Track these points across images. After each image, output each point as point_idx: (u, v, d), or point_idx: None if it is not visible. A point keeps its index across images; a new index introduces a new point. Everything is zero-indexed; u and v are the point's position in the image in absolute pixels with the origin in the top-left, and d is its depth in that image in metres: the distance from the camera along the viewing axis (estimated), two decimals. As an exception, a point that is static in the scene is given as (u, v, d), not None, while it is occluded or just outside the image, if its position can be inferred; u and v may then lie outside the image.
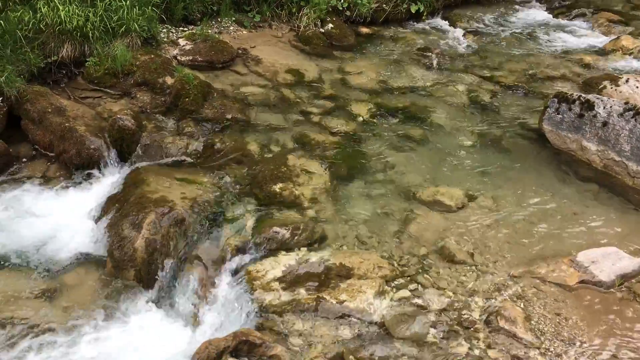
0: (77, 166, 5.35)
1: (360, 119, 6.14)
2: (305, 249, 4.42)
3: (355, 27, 8.14)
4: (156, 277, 4.47)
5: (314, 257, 4.33)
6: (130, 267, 4.50)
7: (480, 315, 3.97)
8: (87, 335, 4.12)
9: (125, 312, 4.34)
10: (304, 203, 4.84)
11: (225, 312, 4.13)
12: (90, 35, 6.00)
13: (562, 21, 8.99)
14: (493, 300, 4.07)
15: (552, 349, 3.74)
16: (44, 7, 5.81)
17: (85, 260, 4.69)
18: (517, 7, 9.45)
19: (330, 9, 7.93)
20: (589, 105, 5.49)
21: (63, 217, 4.96)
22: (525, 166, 5.54)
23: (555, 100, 5.75)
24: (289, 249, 4.41)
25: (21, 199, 5.09)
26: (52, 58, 5.99)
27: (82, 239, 4.79)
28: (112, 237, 4.63)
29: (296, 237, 4.48)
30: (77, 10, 5.90)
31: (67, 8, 5.85)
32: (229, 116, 5.89)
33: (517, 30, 8.57)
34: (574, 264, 4.31)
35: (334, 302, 4.01)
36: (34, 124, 5.51)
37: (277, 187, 4.96)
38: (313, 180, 5.11)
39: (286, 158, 5.37)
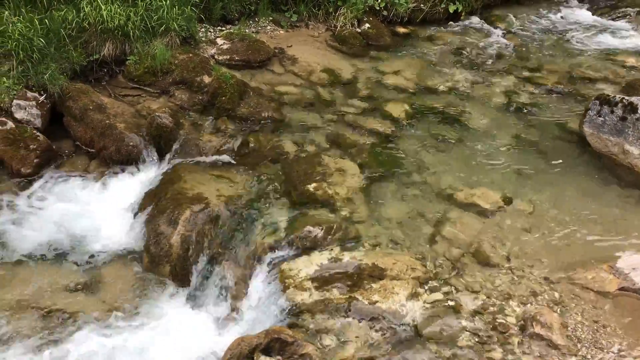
0: (116, 162, 5.47)
1: (396, 119, 6.10)
2: (339, 248, 4.42)
3: (392, 27, 8.10)
4: (190, 273, 4.54)
5: (347, 257, 4.32)
6: (166, 263, 4.58)
7: (515, 320, 3.91)
8: (122, 328, 4.21)
9: (160, 306, 4.42)
10: (338, 203, 4.84)
11: (258, 310, 4.16)
12: (131, 34, 6.12)
13: (605, 21, 8.76)
14: (529, 305, 4.00)
15: (589, 357, 3.65)
16: (87, 7, 5.95)
17: (122, 254, 4.80)
18: (558, 6, 9.25)
19: (367, 9, 7.91)
20: (632, 108, 5.34)
21: (102, 212, 5.07)
22: (565, 170, 5.42)
23: (597, 102, 5.61)
24: (322, 249, 4.42)
25: (62, 194, 5.22)
26: (94, 56, 6.13)
27: (120, 234, 4.90)
28: (149, 233, 4.72)
29: (329, 237, 4.48)
30: (118, 10, 6.02)
31: (109, 7, 5.97)
32: (265, 115, 5.93)
33: (558, 31, 8.40)
34: (613, 270, 4.21)
35: (366, 302, 4.00)
36: (76, 120, 5.64)
37: (312, 187, 4.97)
38: (347, 180, 5.10)
39: (321, 157, 5.38)
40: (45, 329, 4.14)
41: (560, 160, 5.55)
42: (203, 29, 7.14)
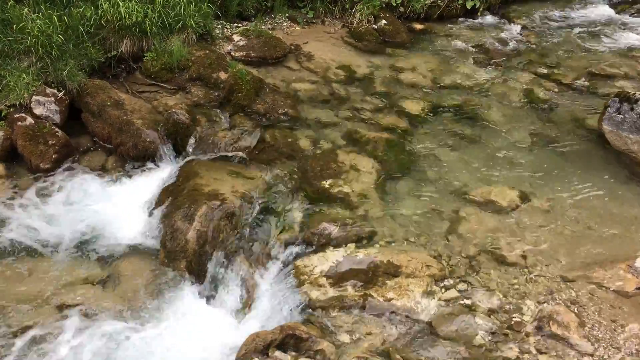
0: (133, 158, 5.51)
1: (412, 116, 6.07)
2: (353, 245, 4.42)
3: (408, 23, 8.06)
4: (206, 268, 4.56)
5: (362, 254, 4.32)
6: (182, 258, 4.60)
7: (531, 319, 3.88)
8: (138, 322, 4.25)
9: (176, 301, 4.45)
10: (353, 200, 4.83)
11: (273, 306, 4.18)
12: (149, 31, 6.16)
13: (626, 17, 8.63)
14: (545, 304, 3.97)
15: (606, 357, 3.62)
16: (105, 4, 5.99)
17: (139, 249, 4.83)
18: (578, 3, 9.13)
19: (384, 5, 7.89)
20: (652, 105, 5.26)
21: (119, 207, 5.12)
22: (583, 167, 5.36)
23: (617, 99, 5.53)
24: (337, 245, 4.42)
25: (80, 189, 5.27)
26: (112, 53, 6.17)
27: (137, 229, 4.94)
28: (165, 228, 4.75)
29: (344, 234, 4.48)
30: (136, 7, 6.06)
31: (127, 4, 6.01)
32: (280, 111, 5.94)
33: (577, 27, 8.29)
34: (632, 269, 4.16)
35: (381, 299, 4.00)
36: (94, 116, 5.70)
37: (327, 183, 4.97)
38: (362, 177, 5.10)
39: (336, 154, 5.37)
40: (62, 323, 4.19)
41: (579, 158, 5.49)
42: (219, 26, 7.16)
